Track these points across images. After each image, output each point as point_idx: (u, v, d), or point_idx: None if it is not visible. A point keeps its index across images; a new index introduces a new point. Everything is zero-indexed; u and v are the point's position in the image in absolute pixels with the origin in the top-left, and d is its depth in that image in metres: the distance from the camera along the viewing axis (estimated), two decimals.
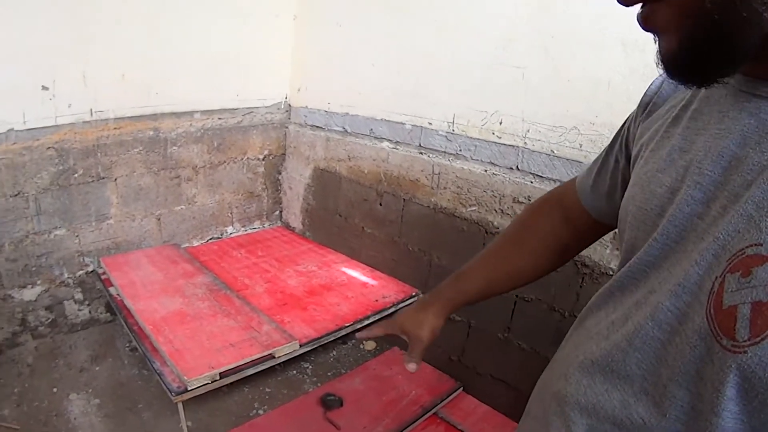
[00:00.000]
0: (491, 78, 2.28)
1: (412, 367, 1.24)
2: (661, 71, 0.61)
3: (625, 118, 0.92)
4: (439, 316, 1.20)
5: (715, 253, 0.56)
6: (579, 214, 1.01)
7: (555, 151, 2.14)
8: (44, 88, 2.31)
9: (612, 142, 0.93)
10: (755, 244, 0.52)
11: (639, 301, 0.66)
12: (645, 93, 0.85)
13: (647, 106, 0.84)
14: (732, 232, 0.55)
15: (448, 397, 2.45)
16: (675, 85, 0.76)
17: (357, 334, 1.35)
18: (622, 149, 0.89)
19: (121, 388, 2.39)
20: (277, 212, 3.39)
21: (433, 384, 2.53)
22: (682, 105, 0.72)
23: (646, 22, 0.61)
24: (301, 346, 2.10)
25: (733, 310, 0.51)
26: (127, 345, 2.64)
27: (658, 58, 0.60)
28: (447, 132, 2.46)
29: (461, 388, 2.53)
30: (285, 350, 2.03)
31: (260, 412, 2.35)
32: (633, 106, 1.90)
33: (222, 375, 1.85)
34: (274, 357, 2.00)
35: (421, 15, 2.48)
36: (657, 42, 0.61)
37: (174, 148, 2.77)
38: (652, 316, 0.62)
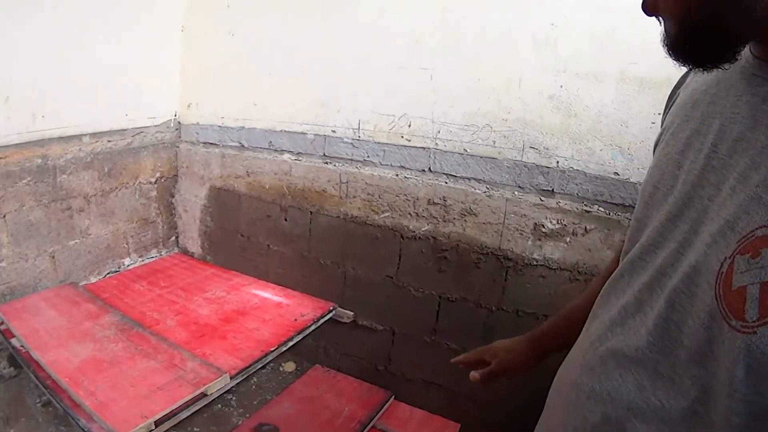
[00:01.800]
0: (398, 81, 2.25)
1: (474, 375, 1.22)
2: (666, 54, 0.63)
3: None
4: (529, 355, 1.19)
5: (725, 235, 0.57)
6: None
7: (468, 150, 2.15)
8: None
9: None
10: (764, 226, 0.53)
11: (650, 283, 0.68)
12: (675, 83, 0.87)
13: (674, 94, 0.86)
14: (741, 213, 0.56)
15: (381, 408, 2.41)
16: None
17: (452, 360, 1.31)
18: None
19: None
20: (173, 238, 3.15)
21: (363, 397, 2.48)
22: (702, 89, 0.73)
23: (649, 8, 0.64)
24: (231, 378, 1.96)
25: (743, 291, 0.52)
26: (38, 401, 2.34)
27: (663, 41, 0.63)
28: (353, 139, 2.41)
29: (393, 397, 2.50)
30: (217, 385, 1.88)
31: None
32: (545, 101, 1.98)
33: (157, 423, 1.68)
34: (206, 395, 1.86)
35: (320, 20, 2.42)
36: (662, 26, 0.64)
37: (64, 176, 2.48)
38: (666, 299, 0.63)
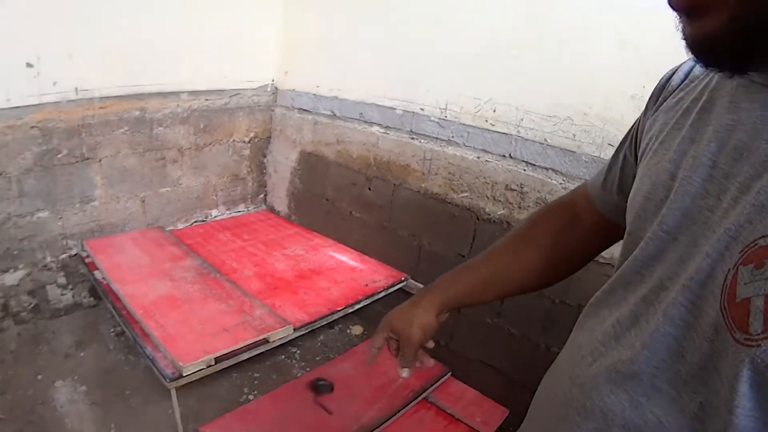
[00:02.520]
0: (486, 65, 2.27)
1: (405, 373, 1.16)
2: (691, 56, 0.58)
3: (637, 117, 0.90)
4: (429, 312, 1.10)
5: (727, 245, 0.55)
6: (588, 214, 0.98)
7: (548, 140, 2.15)
8: (29, 65, 2.24)
9: (623, 139, 0.92)
10: (767, 235, 0.51)
11: (647, 297, 0.65)
12: (655, 86, 0.84)
13: (657, 99, 0.82)
14: (744, 222, 0.54)
15: (437, 382, 2.47)
16: (684, 77, 0.77)
17: (369, 355, 1.19)
18: (632, 146, 0.88)
19: (108, 375, 2.35)
20: (262, 195, 3.35)
21: (422, 368, 2.54)
22: (693, 97, 0.71)
23: (686, 4, 0.56)
24: (294, 330, 2.08)
25: (747, 303, 0.50)
26: (112, 330, 2.60)
27: (689, 41, 0.57)
28: (440, 118, 2.45)
29: (449, 373, 2.55)
30: (279, 334, 2.01)
31: (250, 397, 2.33)
32: (626, 100, 1.95)
33: (217, 360, 1.83)
34: (268, 341, 1.99)
35: (417, 2, 2.46)
36: (686, 24, 0.58)
37: (160, 129, 2.71)
38: (664, 312, 0.60)
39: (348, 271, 2.63)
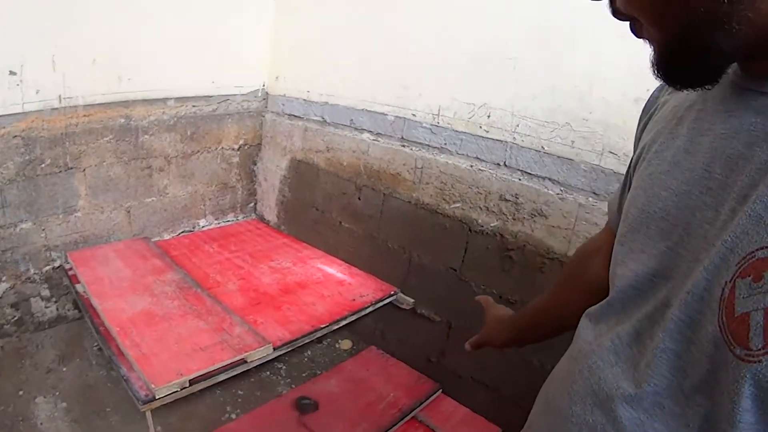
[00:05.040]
0: (480, 69, 2.19)
1: (466, 345, 1.33)
2: (655, 77, 0.62)
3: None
4: (503, 339, 1.24)
5: (723, 257, 0.54)
6: (611, 242, 0.92)
7: (545, 148, 2.07)
8: (11, 73, 2.19)
9: (632, 157, 0.88)
10: (765, 247, 0.50)
11: (651, 314, 0.63)
12: (649, 96, 0.84)
13: (650, 108, 0.82)
14: (740, 234, 0.53)
15: (427, 399, 2.39)
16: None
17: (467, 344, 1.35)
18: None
19: (89, 391, 2.28)
20: (252, 204, 3.26)
21: (411, 386, 2.46)
22: (686, 105, 0.70)
23: (636, 33, 0.64)
24: (274, 349, 2.00)
25: (746, 318, 0.50)
26: (95, 345, 2.53)
27: (651, 64, 0.61)
28: (432, 124, 2.37)
29: (440, 390, 2.47)
30: (257, 354, 1.93)
31: (233, 416, 2.26)
32: (629, 104, 1.86)
33: (192, 382, 1.75)
34: (246, 362, 1.91)
35: (412, 5, 2.39)
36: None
37: (146, 136, 2.64)
38: (664, 328, 0.59)
39: (335, 284, 2.55)
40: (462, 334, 2.38)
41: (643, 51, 1.70)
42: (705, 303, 0.55)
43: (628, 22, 0.64)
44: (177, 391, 1.72)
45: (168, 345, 1.88)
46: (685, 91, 0.65)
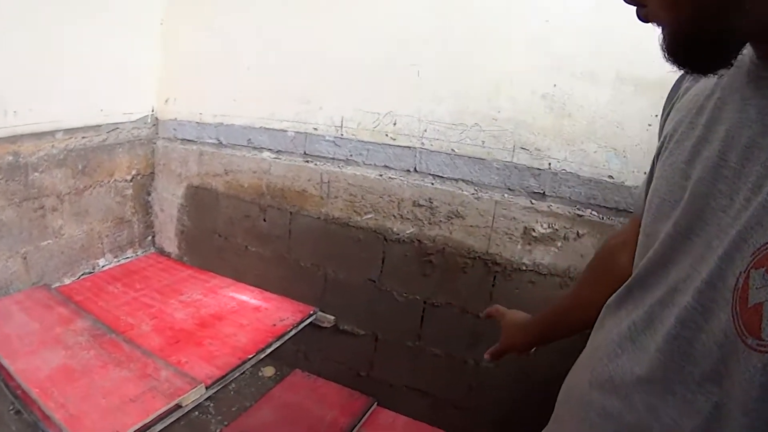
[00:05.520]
0: (383, 77, 2.17)
1: (486, 356, 1.33)
2: (665, 60, 0.61)
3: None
4: (525, 341, 1.25)
5: (738, 248, 0.54)
6: (636, 231, 0.93)
7: (456, 150, 2.08)
8: None
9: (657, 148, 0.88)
10: None
11: (662, 299, 0.64)
12: (674, 84, 0.84)
13: (673, 97, 0.82)
14: (754, 225, 0.52)
15: (364, 415, 2.34)
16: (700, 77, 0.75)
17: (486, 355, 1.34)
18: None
19: None
20: (150, 238, 3.03)
21: (345, 403, 2.41)
22: (706, 94, 0.69)
23: (643, 18, 0.63)
24: (207, 388, 1.86)
25: (759, 308, 0.50)
26: (11, 408, 2.23)
27: (660, 47, 0.60)
28: (335, 137, 2.32)
29: (376, 403, 2.43)
30: (191, 397, 1.78)
31: None
32: (537, 101, 1.91)
33: None
34: (180, 407, 1.76)
35: (303, 14, 2.33)
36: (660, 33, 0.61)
37: (36, 174, 2.35)
38: (676, 315, 0.59)
39: (252, 311, 2.42)
40: (390, 345, 2.37)
41: (546, 49, 1.75)
42: (718, 292, 0.55)
43: (634, 8, 0.63)
44: None
45: (95, 401, 1.69)
46: (700, 77, 0.66)
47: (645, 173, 1.79)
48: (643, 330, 0.66)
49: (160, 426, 1.70)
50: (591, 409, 0.70)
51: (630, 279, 0.73)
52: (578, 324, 1.11)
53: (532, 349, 1.29)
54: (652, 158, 0.86)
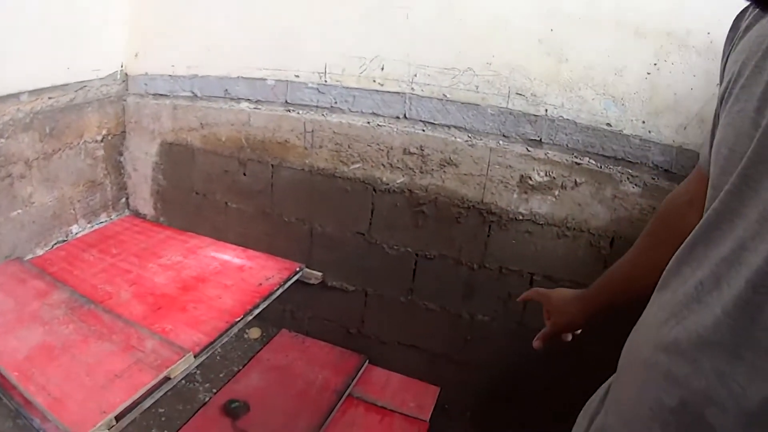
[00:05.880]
0: (370, 20, 2.03)
1: (535, 344, 1.27)
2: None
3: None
4: (581, 315, 1.19)
5: None
6: (704, 190, 0.87)
7: (448, 95, 1.98)
8: None
9: (718, 98, 0.81)
10: None
11: (728, 258, 0.60)
12: (732, 23, 0.78)
13: (733, 37, 0.76)
14: None
15: (357, 373, 2.27)
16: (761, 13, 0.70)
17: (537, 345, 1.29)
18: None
19: None
20: (124, 200, 2.84)
21: (336, 362, 2.34)
22: None
23: None
24: (195, 356, 1.76)
25: None
26: None
27: None
28: (318, 84, 2.18)
29: (367, 361, 2.36)
30: (180, 367, 1.67)
31: None
32: (534, 44, 1.82)
33: (118, 417, 1.48)
34: (169, 378, 1.65)
35: None
36: None
37: (1, 140, 2.16)
38: (748, 279, 0.55)
39: (235, 271, 2.31)
40: (381, 300, 2.31)
41: None
42: None
43: None
44: None
45: (79, 380, 1.56)
46: (764, 13, 0.61)
47: (643, 122, 1.74)
48: (709, 291, 0.61)
49: (149, 401, 1.60)
50: (656, 371, 0.66)
51: (693, 233, 0.69)
52: (645, 290, 1.00)
53: (578, 330, 1.27)
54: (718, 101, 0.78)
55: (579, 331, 1.27)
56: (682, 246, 0.71)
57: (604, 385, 0.92)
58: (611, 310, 1.12)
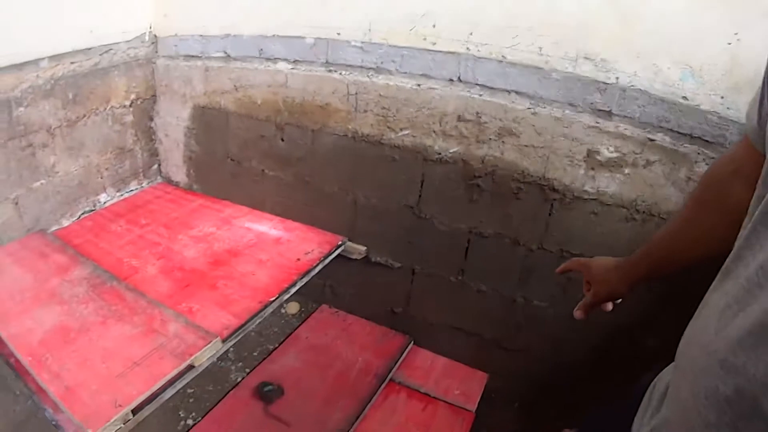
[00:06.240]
0: None
1: (576, 314, 1.24)
2: None
3: None
4: (622, 283, 1.15)
5: None
6: (752, 161, 0.85)
7: (507, 57, 1.76)
8: None
9: None
10: None
11: None
12: None
13: None
14: None
15: (400, 356, 2.13)
16: None
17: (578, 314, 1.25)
18: None
19: (23, 428, 1.83)
20: (155, 167, 2.72)
21: (378, 343, 2.21)
22: None
23: None
24: (223, 341, 1.61)
25: None
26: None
27: None
28: (363, 42, 1.98)
29: (412, 343, 2.21)
30: (206, 354, 1.53)
31: (189, 422, 1.90)
32: (605, 3, 1.58)
33: (135, 411, 1.35)
34: (193, 366, 1.52)
35: None
36: None
37: (21, 109, 2.03)
38: None
39: (272, 244, 2.17)
40: (429, 279, 2.14)
41: None
42: None
43: None
44: (120, 428, 1.32)
45: (94, 367, 1.44)
46: None
47: (722, 98, 1.51)
48: None
49: (170, 392, 1.47)
50: (714, 359, 0.63)
51: (755, 214, 0.65)
52: (687, 260, 1.05)
53: (619, 299, 1.22)
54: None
55: (620, 300, 1.23)
56: (743, 228, 0.69)
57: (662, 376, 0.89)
58: (653, 280, 1.13)
